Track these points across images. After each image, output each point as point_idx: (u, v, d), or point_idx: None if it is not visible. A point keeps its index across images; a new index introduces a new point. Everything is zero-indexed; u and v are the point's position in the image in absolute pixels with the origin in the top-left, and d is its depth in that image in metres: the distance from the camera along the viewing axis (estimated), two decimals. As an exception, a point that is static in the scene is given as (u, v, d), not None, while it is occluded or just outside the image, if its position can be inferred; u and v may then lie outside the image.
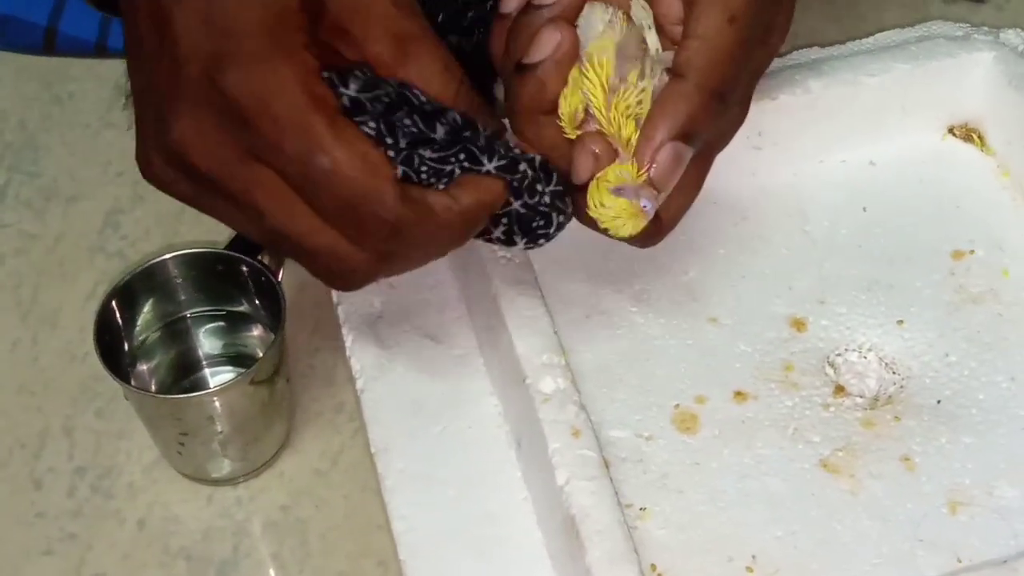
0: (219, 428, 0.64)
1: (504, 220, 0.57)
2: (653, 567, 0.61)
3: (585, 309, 0.69)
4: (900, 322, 0.69)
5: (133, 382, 0.65)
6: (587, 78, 0.57)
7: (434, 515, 0.62)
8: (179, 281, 0.66)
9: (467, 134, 0.54)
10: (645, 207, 0.57)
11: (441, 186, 0.54)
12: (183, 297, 0.67)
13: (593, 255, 0.70)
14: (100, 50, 0.83)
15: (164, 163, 0.54)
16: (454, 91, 0.54)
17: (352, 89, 0.52)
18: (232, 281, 0.66)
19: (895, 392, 0.67)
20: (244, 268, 0.65)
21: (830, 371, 0.68)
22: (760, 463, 0.64)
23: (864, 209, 0.74)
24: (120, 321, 0.65)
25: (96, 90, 0.83)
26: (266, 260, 0.65)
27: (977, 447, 0.65)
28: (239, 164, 0.52)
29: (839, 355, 0.68)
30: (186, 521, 0.66)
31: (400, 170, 0.53)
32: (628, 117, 0.56)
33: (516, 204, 0.56)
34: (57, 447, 0.68)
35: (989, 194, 0.74)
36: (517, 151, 0.55)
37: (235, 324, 0.68)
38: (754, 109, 0.72)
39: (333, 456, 0.68)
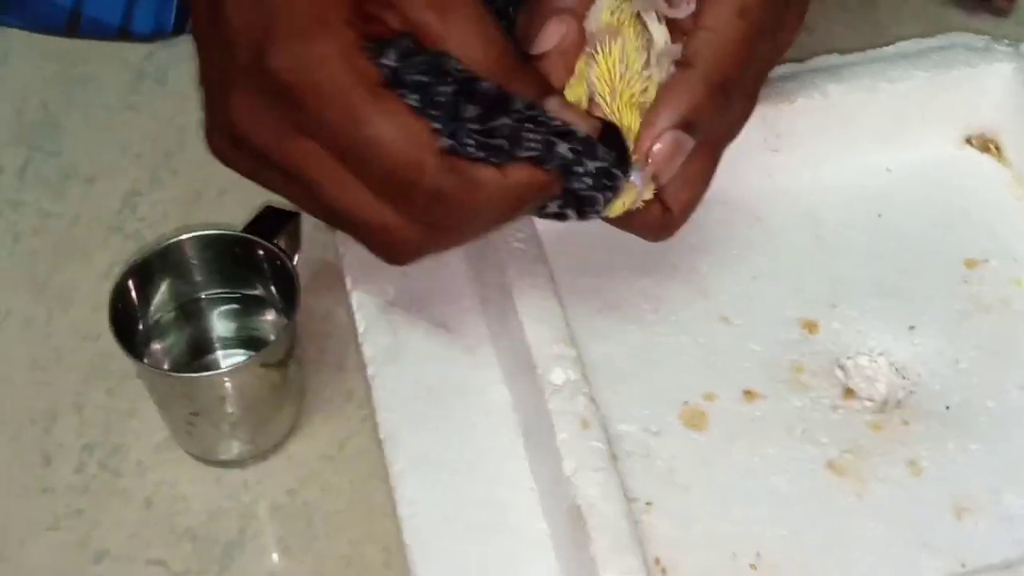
0: (229, 409, 0.64)
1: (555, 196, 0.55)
2: (657, 561, 0.61)
3: (597, 303, 0.69)
4: (911, 328, 0.69)
5: (146, 361, 0.65)
6: (592, 68, 0.57)
7: (440, 501, 0.62)
8: (195, 262, 0.66)
9: (503, 118, 0.53)
10: (634, 181, 0.56)
11: (493, 161, 0.53)
12: (199, 278, 0.67)
13: (607, 251, 0.71)
14: (123, 34, 0.84)
15: (224, 141, 0.55)
16: (494, 57, 0.54)
17: (390, 59, 0.52)
18: (248, 264, 0.66)
19: (904, 397, 0.67)
20: (260, 252, 0.66)
21: (840, 374, 0.68)
22: (767, 462, 0.64)
23: (879, 215, 0.74)
24: (135, 299, 0.65)
25: (118, 72, 0.83)
26: (282, 244, 0.65)
27: (984, 454, 0.65)
28: (288, 139, 0.53)
29: (849, 358, 0.68)
30: (193, 501, 0.66)
31: (447, 143, 0.52)
32: (631, 106, 0.56)
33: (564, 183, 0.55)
34: (67, 424, 0.69)
35: (1005, 205, 0.75)
36: (559, 123, 0.54)
37: (249, 307, 0.68)
38: (772, 111, 0.73)
39: (341, 442, 0.68)
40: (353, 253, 0.70)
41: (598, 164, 0.55)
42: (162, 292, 0.67)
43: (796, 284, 0.71)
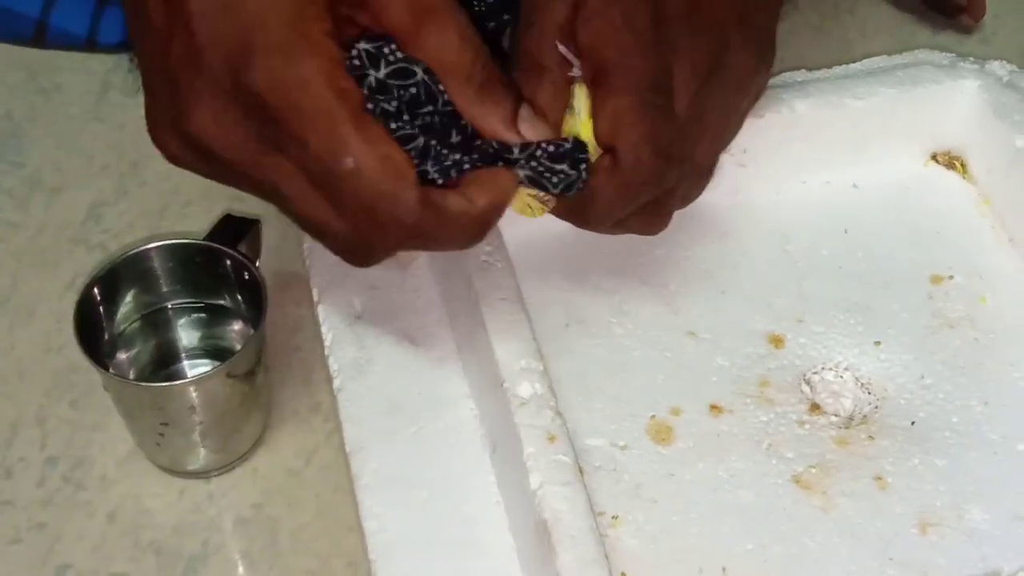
0: (199, 419, 0.63)
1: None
2: (623, 575, 0.61)
3: (564, 318, 0.69)
4: (877, 343, 0.70)
5: (111, 371, 0.65)
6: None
7: (406, 516, 0.62)
8: (160, 272, 0.66)
9: (479, 142, 0.55)
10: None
11: (454, 173, 0.54)
12: (164, 288, 0.67)
13: (575, 265, 0.71)
14: (90, 44, 0.83)
15: (181, 145, 0.54)
16: (469, 63, 0.53)
17: (382, 74, 0.52)
18: (214, 274, 0.66)
19: (870, 412, 0.67)
20: (227, 261, 0.65)
21: (806, 389, 0.68)
22: (733, 476, 0.64)
23: (845, 231, 0.74)
24: (101, 309, 0.65)
25: (84, 83, 0.83)
26: (243, 250, 0.65)
27: (949, 469, 0.65)
28: (262, 155, 0.52)
29: (815, 373, 0.68)
30: (157, 515, 0.66)
31: (421, 169, 0.53)
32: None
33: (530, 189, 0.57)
34: (29, 436, 0.68)
35: (970, 221, 0.75)
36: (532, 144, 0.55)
37: (215, 317, 0.68)
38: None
39: (307, 456, 0.68)
40: (320, 266, 0.70)
41: (562, 176, 0.56)
42: (127, 302, 0.66)
43: (763, 299, 0.71)
